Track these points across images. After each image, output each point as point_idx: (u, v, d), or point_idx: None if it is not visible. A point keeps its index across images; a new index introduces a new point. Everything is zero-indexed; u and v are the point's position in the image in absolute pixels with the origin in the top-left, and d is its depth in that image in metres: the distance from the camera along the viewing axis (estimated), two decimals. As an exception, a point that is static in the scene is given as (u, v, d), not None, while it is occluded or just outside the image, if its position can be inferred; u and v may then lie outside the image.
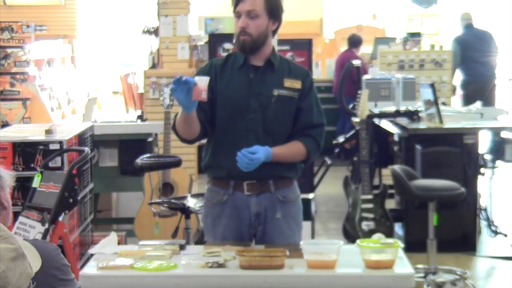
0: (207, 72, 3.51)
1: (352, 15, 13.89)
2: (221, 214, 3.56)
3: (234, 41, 3.55)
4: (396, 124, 6.61)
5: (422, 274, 5.41)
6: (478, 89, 10.06)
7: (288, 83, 3.50)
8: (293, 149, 3.51)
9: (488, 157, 7.12)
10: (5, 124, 6.94)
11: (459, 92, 10.48)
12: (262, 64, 3.52)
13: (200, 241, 5.38)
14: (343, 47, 12.62)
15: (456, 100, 10.10)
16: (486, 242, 6.57)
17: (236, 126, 3.46)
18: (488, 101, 9.98)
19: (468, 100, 9.79)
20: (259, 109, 3.45)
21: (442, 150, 6.29)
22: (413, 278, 3.19)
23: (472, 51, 10.25)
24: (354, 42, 11.20)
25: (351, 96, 7.87)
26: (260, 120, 3.45)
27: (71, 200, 4.17)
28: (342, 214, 6.43)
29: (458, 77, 10.43)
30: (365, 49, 11.87)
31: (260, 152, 3.36)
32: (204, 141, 3.67)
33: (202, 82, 3.28)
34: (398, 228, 6.50)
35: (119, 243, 3.57)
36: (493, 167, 7.89)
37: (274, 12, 3.48)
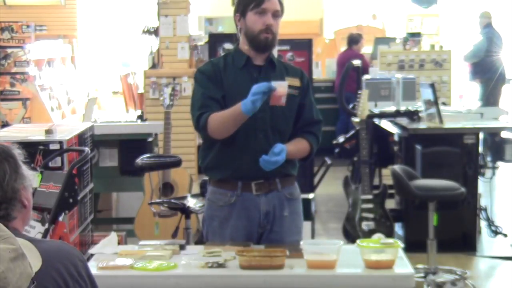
0: (211, 71, 3.51)
1: (352, 15, 13.88)
2: (229, 216, 3.55)
3: (246, 37, 3.52)
4: (396, 124, 6.61)
5: (422, 274, 5.41)
6: (495, 85, 10.20)
7: (289, 81, 3.52)
8: (300, 147, 3.55)
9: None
10: (5, 124, 6.93)
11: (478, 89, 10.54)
12: (263, 63, 3.54)
13: (200, 241, 5.38)
14: (343, 47, 12.63)
15: (457, 101, 10.12)
16: (486, 242, 6.57)
17: (245, 126, 3.44)
18: (496, 99, 10.08)
19: (485, 95, 9.89)
20: (266, 108, 3.46)
21: (442, 150, 6.29)
22: (413, 278, 3.18)
23: (495, 49, 10.36)
24: (352, 40, 11.19)
25: (352, 92, 7.88)
26: (268, 119, 3.47)
27: (71, 200, 4.16)
28: (342, 214, 6.43)
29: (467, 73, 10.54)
30: (365, 49, 11.87)
31: (284, 153, 3.39)
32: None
33: (281, 87, 3.30)
34: (398, 228, 6.50)
35: (119, 243, 3.56)
36: (493, 167, 7.90)
37: (283, 12, 3.54)
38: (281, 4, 3.51)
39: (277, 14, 3.47)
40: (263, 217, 3.55)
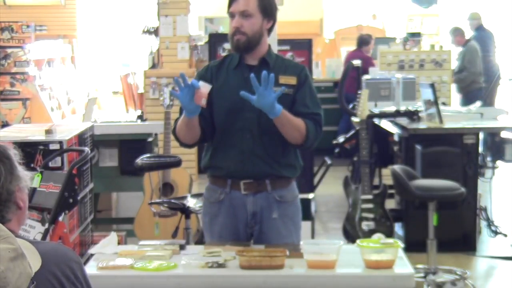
0: (203, 75, 3.54)
1: (352, 15, 13.89)
2: (218, 213, 3.57)
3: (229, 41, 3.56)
4: (396, 124, 6.61)
5: (422, 274, 5.41)
6: (493, 88, 10.22)
7: (283, 80, 3.48)
8: (296, 120, 3.44)
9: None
10: (5, 124, 6.94)
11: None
12: (257, 64, 3.52)
13: (200, 241, 5.38)
14: (343, 47, 12.63)
15: (457, 101, 10.12)
16: (486, 242, 6.57)
17: (233, 126, 3.47)
18: (492, 100, 10.09)
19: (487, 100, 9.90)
20: (254, 108, 3.43)
21: (442, 150, 6.28)
22: (413, 278, 3.18)
23: (488, 52, 10.34)
24: (363, 41, 11.14)
25: (352, 92, 7.88)
26: (255, 119, 3.44)
27: (71, 200, 4.16)
28: (342, 214, 6.43)
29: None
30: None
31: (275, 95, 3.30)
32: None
33: (205, 88, 3.32)
34: (398, 228, 6.50)
35: (119, 243, 3.56)
36: (493, 167, 7.90)
37: (268, 10, 3.49)
38: (262, 3, 3.44)
39: (245, 14, 3.43)
40: (250, 217, 3.54)
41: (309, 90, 3.53)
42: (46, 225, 4.04)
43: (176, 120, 3.53)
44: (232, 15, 3.46)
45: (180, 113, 3.51)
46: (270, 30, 3.56)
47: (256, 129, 3.46)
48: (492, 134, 7.75)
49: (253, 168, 3.47)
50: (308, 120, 3.48)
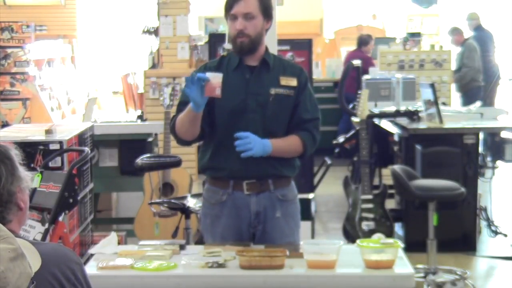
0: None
1: (352, 15, 13.89)
2: (220, 214, 3.56)
3: (227, 42, 3.56)
4: (396, 124, 6.61)
5: (422, 274, 5.41)
6: (493, 88, 10.22)
7: (284, 81, 3.50)
8: (291, 142, 3.50)
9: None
10: (5, 124, 6.94)
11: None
12: (257, 64, 3.52)
13: (200, 241, 5.38)
14: (343, 47, 12.62)
15: (457, 101, 10.12)
16: (486, 242, 6.57)
17: (236, 127, 3.46)
18: (492, 100, 10.09)
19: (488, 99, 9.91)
20: (257, 109, 3.45)
21: (442, 150, 6.28)
22: (413, 278, 3.18)
23: (488, 52, 10.34)
24: (362, 41, 11.14)
25: (352, 92, 7.88)
26: (259, 120, 3.45)
27: (71, 200, 4.16)
28: (342, 214, 6.43)
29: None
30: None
31: (254, 143, 3.38)
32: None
33: (216, 78, 3.30)
34: (398, 228, 6.50)
35: (119, 243, 3.56)
36: (493, 167, 7.90)
37: (268, 11, 3.49)
38: (263, 4, 3.45)
39: (249, 16, 3.42)
40: (254, 217, 3.54)
41: (309, 94, 3.57)
42: (46, 225, 4.04)
43: (173, 118, 3.52)
44: (234, 17, 3.44)
45: (178, 110, 3.50)
46: (267, 30, 3.56)
47: (259, 130, 3.46)
48: (492, 134, 7.75)
49: (256, 168, 3.48)
50: (304, 132, 3.51)
